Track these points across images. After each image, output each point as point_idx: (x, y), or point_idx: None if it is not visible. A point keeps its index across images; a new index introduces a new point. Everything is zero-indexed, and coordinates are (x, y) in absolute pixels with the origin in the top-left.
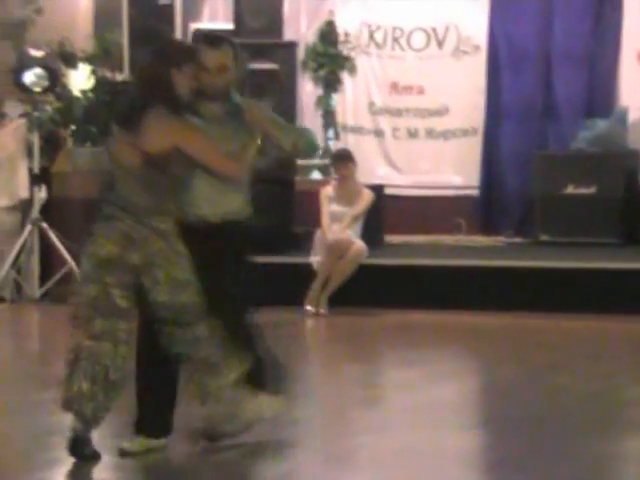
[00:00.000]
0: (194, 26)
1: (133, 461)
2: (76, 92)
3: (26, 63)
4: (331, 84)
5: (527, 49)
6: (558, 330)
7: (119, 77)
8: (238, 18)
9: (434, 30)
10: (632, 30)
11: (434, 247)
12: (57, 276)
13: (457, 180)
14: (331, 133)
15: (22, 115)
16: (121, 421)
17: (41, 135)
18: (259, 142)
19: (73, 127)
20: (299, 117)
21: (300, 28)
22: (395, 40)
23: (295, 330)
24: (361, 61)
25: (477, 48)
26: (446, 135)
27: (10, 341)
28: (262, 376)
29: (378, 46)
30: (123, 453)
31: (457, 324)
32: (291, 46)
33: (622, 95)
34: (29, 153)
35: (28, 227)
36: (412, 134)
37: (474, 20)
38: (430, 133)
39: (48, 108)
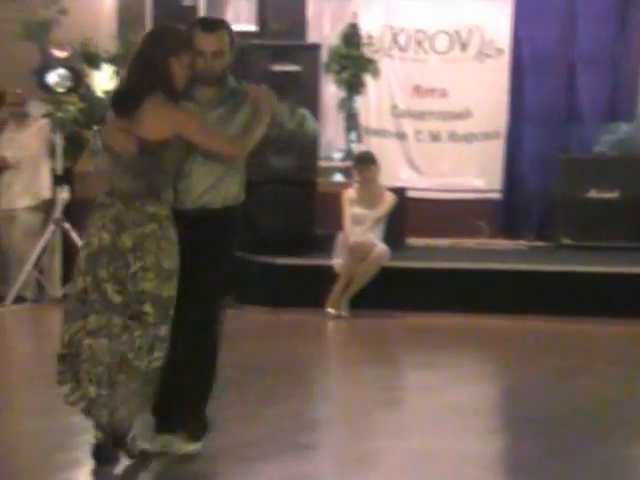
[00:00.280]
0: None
1: (155, 462)
2: (99, 93)
3: (49, 63)
4: (354, 87)
5: (550, 52)
6: (579, 334)
7: None
8: (261, 20)
9: (457, 33)
10: None
11: (455, 250)
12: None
13: (479, 183)
14: (354, 136)
15: (45, 115)
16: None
17: (64, 135)
18: (264, 124)
19: (96, 128)
20: (321, 119)
21: (323, 30)
22: (418, 43)
23: (316, 332)
24: (384, 64)
25: (500, 51)
26: (468, 138)
27: (31, 341)
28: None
29: (401, 49)
30: (144, 454)
31: (478, 327)
32: (314, 48)
33: None
34: (52, 153)
35: (50, 227)
36: (435, 137)
37: (497, 23)
38: (452, 136)
39: (71, 108)
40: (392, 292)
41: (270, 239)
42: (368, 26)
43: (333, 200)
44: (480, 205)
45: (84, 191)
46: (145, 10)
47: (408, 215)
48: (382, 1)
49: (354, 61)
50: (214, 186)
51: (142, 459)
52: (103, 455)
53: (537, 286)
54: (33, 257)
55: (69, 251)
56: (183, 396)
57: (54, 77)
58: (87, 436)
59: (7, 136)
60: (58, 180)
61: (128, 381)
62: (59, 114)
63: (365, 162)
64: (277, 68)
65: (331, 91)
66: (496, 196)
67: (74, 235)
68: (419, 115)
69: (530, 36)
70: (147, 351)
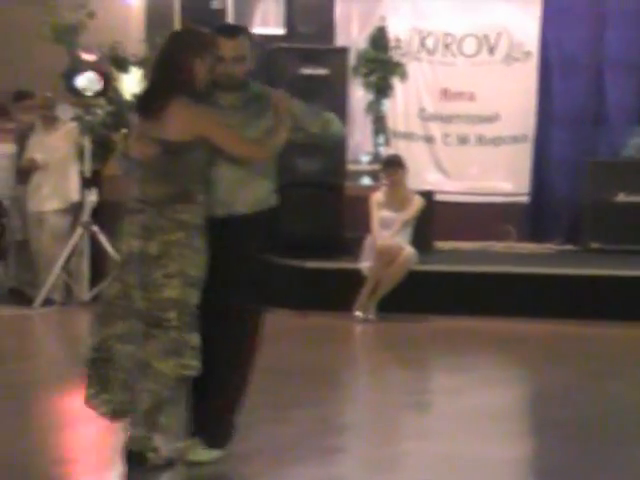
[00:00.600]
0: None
1: (181, 464)
2: (127, 96)
3: (78, 67)
4: (382, 90)
5: (578, 55)
6: (608, 338)
7: None
8: (289, 23)
9: (485, 36)
10: None
11: (483, 254)
12: (107, 279)
13: (507, 187)
14: (381, 139)
15: (74, 119)
16: None
17: (92, 139)
18: (288, 130)
19: (124, 131)
20: (349, 123)
21: (351, 33)
22: (446, 46)
23: (344, 335)
24: (412, 67)
25: (528, 54)
26: (496, 141)
27: (59, 343)
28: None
29: (429, 52)
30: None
31: (506, 331)
32: (342, 51)
33: None
34: (80, 156)
35: (78, 230)
36: (462, 140)
37: (525, 26)
38: (480, 139)
39: (99, 112)
40: (420, 295)
41: (298, 242)
42: (396, 29)
43: (361, 203)
44: (508, 208)
45: (112, 194)
46: (173, 13)
47: (436, 218)
48: (410, 4)
49: (382, 64)
50: (241, 191)
51: (167, 463)
52: (131, 458)
53: (565, 290)
54: (61, 260)
55: (97, 254)
56: (208, 402)
57: (83, 80)
58: (115, 439)
59: (36, 139)
60: (86, 183)
61: (153, 387)
62: (87, 117)
63: (393, 165)
64: (305, 71)
65: (359, 94)
66: (524, 200)
67: (102, 238)
68: (447, 118)
69: (558, 39)
70: (172, 356)
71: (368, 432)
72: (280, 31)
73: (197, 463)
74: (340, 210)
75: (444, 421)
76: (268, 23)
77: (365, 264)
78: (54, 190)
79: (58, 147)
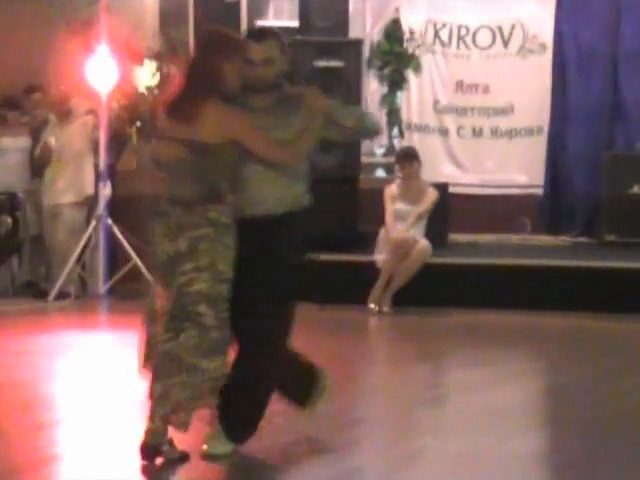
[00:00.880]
0: (260, 24)
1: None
2: (142, 89)
3: (94, 60)
4: (396, 82)
5: (594, 48)
6: (625, 332)
7: None
8: (304, 16)
9: (500, 28)
10: None
11: (499, 246)
12: (121, 272)
13: (522, 179)
14: (396, 131)
15: (89, 112)
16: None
17: (107, 132)
18: (320, 129)
19: (139, 124)
20: None
21: (366, 26)
22: (460, 38)
23: (359, 328)
24: (426, 59)
25: (543, 47)
26: (511, 134)
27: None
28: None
29: (443, 44)
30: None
31: (522, 324)
32: (356, 44)
33: None
34: (95, 150)
35: (93, 223)
36: (477, 133)
37: (540, 18)
38: (495, 132)
39: (114, 105)
40: (434, 288)
41: (312, 235)
42: (410, 22)
43: (375, 196)
44: (523, 201)
45: (127, 187)
46: (187, 7)
47: (450, 211)
48: None
49: (396, 57)
50: (272, 192)
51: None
52: (147, 452)
53: (581, 283)
54: (76, 253)
55: (112, 247)
56: (235, 397)
57: (98, 74)
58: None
59: (51, 133)
60: (101, 176)
61: (185, 380)
62: (102, 111)
63: (407, 158)
64: (320, 64)
65: (373, 87)
66: (539, 192)
67: (116, 231)
68: (461, 111)
69: (573, 32)
70: (218, 355)
71: (386, 426)
72: (294, 24)
73: (213, 455)
74: (354, 203)
75: (461, 416)
76: (282, 16)
77: (379, 257)
78: (69, 183)
79: (73, 141)
